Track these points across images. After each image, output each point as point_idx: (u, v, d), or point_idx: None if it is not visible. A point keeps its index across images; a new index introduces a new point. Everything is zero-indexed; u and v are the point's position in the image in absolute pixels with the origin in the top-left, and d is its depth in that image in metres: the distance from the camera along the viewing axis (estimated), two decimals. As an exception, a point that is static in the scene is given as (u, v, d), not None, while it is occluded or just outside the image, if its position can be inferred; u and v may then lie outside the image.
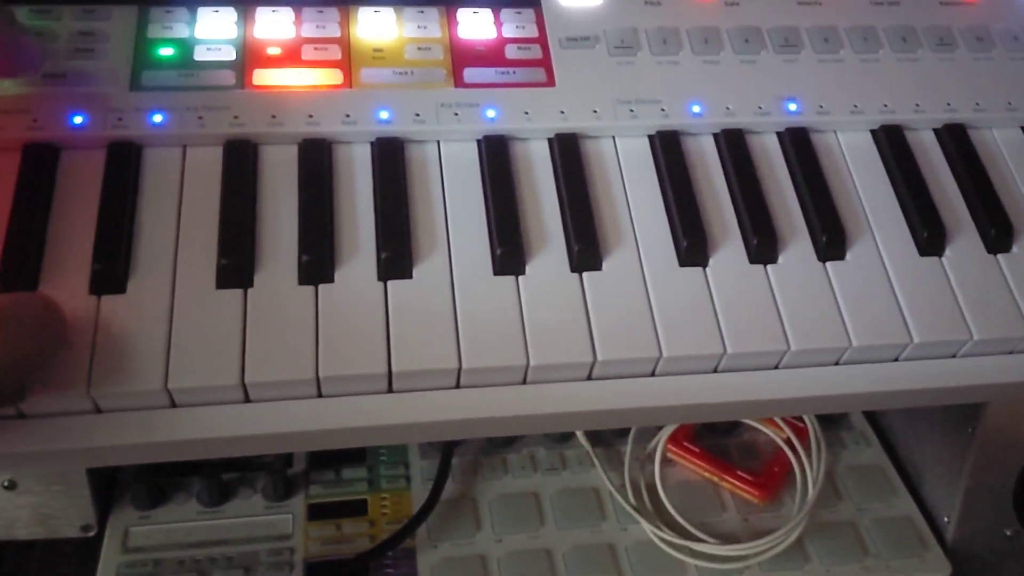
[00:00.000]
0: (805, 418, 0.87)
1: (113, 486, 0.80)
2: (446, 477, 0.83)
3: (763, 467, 0.87)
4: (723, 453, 0.88)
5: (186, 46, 0.59)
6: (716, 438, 0.90)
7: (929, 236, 0.59)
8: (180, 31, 0.60)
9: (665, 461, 0.87)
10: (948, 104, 0.65)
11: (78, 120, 0.55)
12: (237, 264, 0.52)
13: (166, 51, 0.59)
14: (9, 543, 0.76)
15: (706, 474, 0.87)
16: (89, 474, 0.72)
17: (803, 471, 0.85)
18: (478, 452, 0.87)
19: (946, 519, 0.83)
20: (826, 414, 0.91)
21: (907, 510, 0.86)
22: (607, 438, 0.88)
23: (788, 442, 0.87)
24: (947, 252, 0.59)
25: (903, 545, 0.82)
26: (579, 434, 0.86)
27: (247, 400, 0.50)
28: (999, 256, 0.60)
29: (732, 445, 0.90)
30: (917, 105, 0.64)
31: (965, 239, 0.60)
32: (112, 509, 0.78)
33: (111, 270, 0.51)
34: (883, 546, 0.82)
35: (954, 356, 0.57)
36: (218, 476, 0.80)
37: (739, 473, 0.86)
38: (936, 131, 0.65)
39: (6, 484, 0.72)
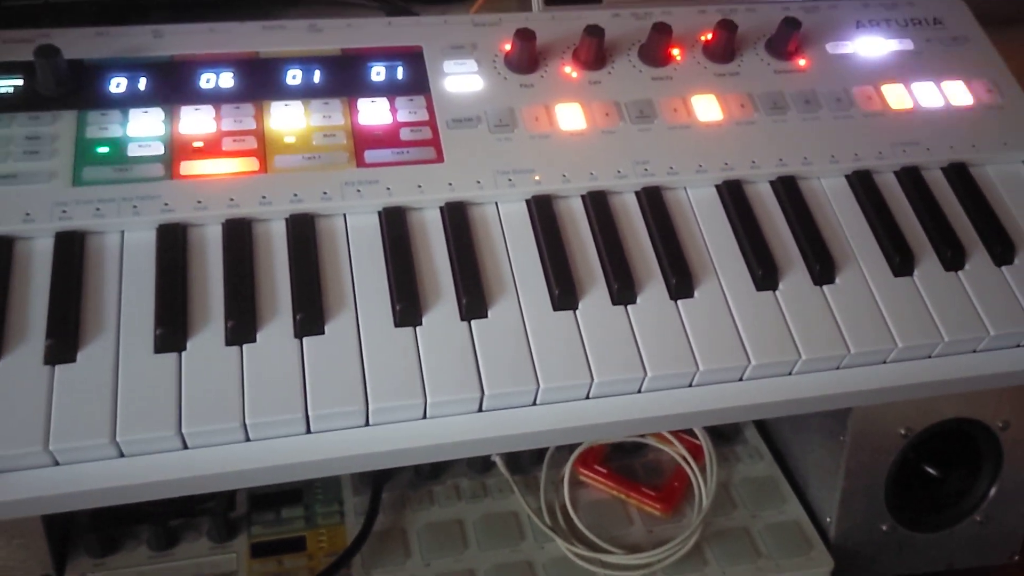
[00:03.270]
0: (699, 436, 0.97)
1: (68, 537, 0.86)
2: (377, 511, 0.90)
3: (664, 483, 0.97)
4: (629, 472, 0.98)
5: (120, 144, 0.68)
6: (622, 459, 0.99)
7: (763, 274, 0.70)
8: (114, 131, 0.69)
9: (577, 483, 0.96)
10: (780, 159, 0.76)
11: (28, 215, 0.64)
12: (171, 332, 0.61)
13: (103, 149, 0.68)
14: (-29, 596, 0.82)
15: (613, 492, 0.96)
16: (45, 527, 0.78)
17: (699, 486, 0.95)
18: (406, 486, 0.95)
19: (828, 519, 0.93)
20: (722, 432, 1.01)
21: (795, 514, 0.95)
22: (525, 465, 0.97)
23: (686, 459, 0.97)
24: (780, 286, 0.70)
25: (791, 546, 0.92)
26: (499, 463, 0.95)
27: (185, 447, 0.59)
28: (824, 287, 0.71)
29: (637, 464, 0.99)
30: (753, 162, 0.75)
31: (796, 274, 0.71)
32: (68, 559, 0.85)
33: (63, 343, 0.59)
34: (773, 547, 0.91)
35: (789, 374, 0.68)
36: (165, 522, 0.87)
37: (643, 489, 0.96)
38: (771, 183, 0.76)
39: (-32, 541, 0.78)
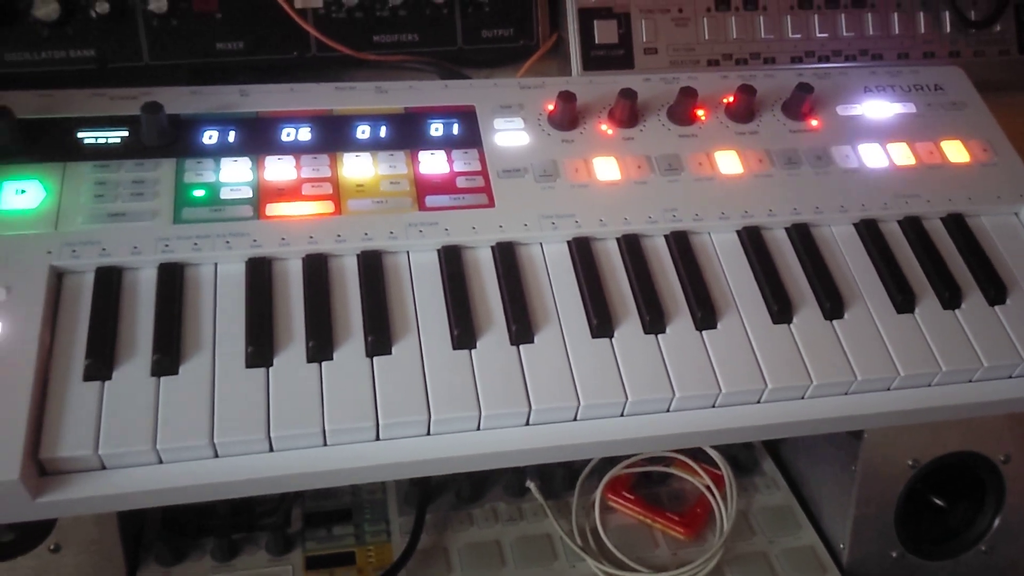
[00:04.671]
0: (721, 466, 1.04)
1: (139, 547, 0.94)
2: (421, 530, 0.97)
3: (688, 509, 1.04)
4: (655, 499, 1.04)
5: (214, 188, 0.77)
6: (648, 487, 1.06)
7: (779, 310, 0.78)
8: (209, 177, 0.78)
9: (606, 508, 1.02)
10: (795, 209, 0.84)
11: (136, 248, 0.73)
12: (261, 349, 0.69)
13: (199, 192, 0.77)
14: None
15: (640, 517, 1.03)
16: (121, 536, 0.86)
17: (720, 512, 1.02)
18: (448, 508, 1.02)
19: (841, 546, 0.98)
20: (741, 463, 1.08)
21: (810, 541, 1.01)
22: (557, 492, 1.04)
23: (708, 488, 1.04)
24: (794, 320, 0.78)
25: (807, 570, 0.97)
26: (533, 489, 1.02)
27: (271, 450, 0.67)
28: (834, 322, 0.79)
29: (662, 493, 1.06)
30: (770, 210, 0.84)
31: (808, 310, 0.79)
32: (139, 567, 0.92)
33: (167, 358, 0.68)
34: (790, 571, 0.97)
35: (802, 398, 0.76)
36: (228, 536, 0.94)
37: (668, 515, 1.02)
38: (786, 229, 0.84)
39: (52, 548, 0.86)
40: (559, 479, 1.04)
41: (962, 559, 1.00)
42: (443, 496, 1.03)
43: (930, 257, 0.84)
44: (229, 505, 0.97)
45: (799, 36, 1.00)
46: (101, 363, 0.67)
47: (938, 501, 1.02)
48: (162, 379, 0.68)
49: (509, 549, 0.98)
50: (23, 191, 0.74)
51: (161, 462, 0.66)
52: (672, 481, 1.07)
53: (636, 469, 1.05)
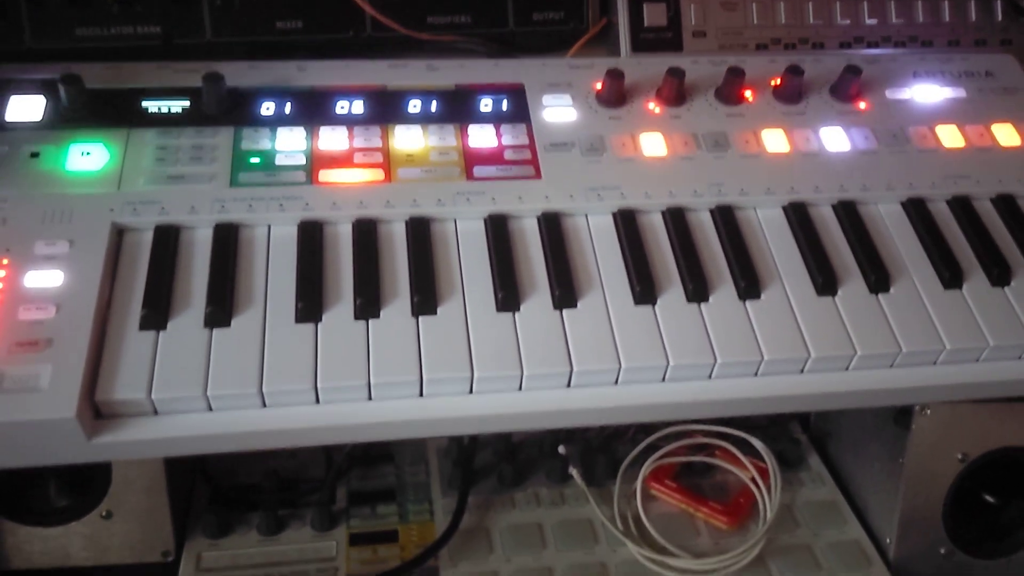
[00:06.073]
0: (766, 458, 1.03)
1: (187, 519, 0.96)
2: (463, 510, 0.98)
3: (731, 499, 1.03)
4: (697, 489, 1.04)
5: (269, 155, 0.80)
6: (691, 478, 1.06)
7: (824, 282, 0.78)
8: (264, 144, 0.81)
9: (648, 496, 1.03)
10: (841, 186, 0.84)
11: (193, 208, 0.76)
12: (310, 305, 0.71)
13: (255, 159, 0.80)
14: (97, 567, 0.90)
15: (683, 506, 1.03)
16: (170, 507, 0.88)
17: (764, 502, 1.01)
18: (490, 492, 1.03)
19: (888, 540, 0.97)
20: (786, 458, 1.08)
21: (856, 535, 1.00)
22: (599, 479, 1.04)
23: (753, 480, 1.03)
24: (839, 292, 0.78)
25: (852, 563, 0.97)
26: (575, 475, 1.03)
27: (317, 401, 0.69)
28: (879, 296, 0.78)
29: (705, 484, 1.05)
30: (817, 187, 0.84)
31: (853, 284, 0.79)
32: (187, 538, 0.95)
33: (221, 311, 0.70)
34: (835, 564, 0.96)
35: (847, 369, 0.75)
36: (274, 511, 0.97)
37: (710, 503, 1.02)
38: (832, 206, 0.84)
39: (104, 514, 0.88)
40: (601, 466, 1.05)
41: (1014, 559, 0.98)
42: (485, 480, 1.04)
43: (979, 235, 0.83)
44: (276, 481, 0.99)
45: (848, 22, 1.00)
46: (157, 314, 0.70)
47: (989, 498, 1.00)
48: (214, 330, 0.70)
49: (550, 532, 0.99)
50: (88, 153, 0.78)
51: (211, 409, 0.68)
52: (715, 473, 1.07)
53: (679, 458, 1.05)
